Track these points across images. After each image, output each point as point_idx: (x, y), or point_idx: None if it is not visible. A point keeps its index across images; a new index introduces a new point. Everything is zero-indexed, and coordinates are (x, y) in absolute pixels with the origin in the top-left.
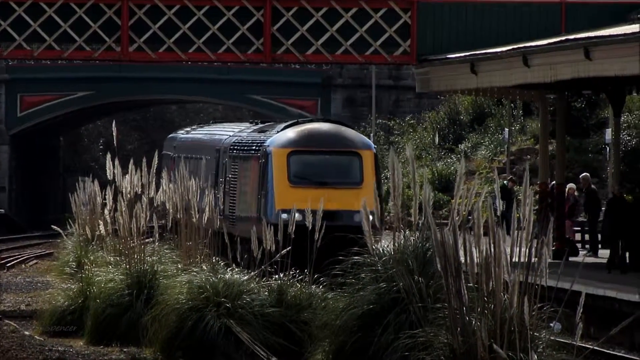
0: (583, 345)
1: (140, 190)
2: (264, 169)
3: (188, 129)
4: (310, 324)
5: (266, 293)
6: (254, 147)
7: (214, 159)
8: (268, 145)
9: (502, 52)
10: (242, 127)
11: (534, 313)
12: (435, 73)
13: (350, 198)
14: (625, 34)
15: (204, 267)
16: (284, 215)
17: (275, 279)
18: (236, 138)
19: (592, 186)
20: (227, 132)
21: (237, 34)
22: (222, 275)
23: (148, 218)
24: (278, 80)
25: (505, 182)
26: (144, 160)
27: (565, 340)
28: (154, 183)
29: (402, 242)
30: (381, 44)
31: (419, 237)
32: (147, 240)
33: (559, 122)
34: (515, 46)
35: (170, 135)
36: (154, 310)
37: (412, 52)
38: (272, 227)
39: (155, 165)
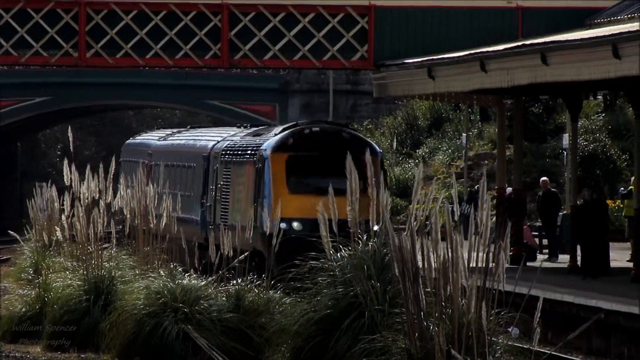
0: (541, 350)
1: (97, 196)
2: (261, 174)
3: (161, 134)
4: (268, 329)
5: (224, 298)
6: (249, 152)
7: (201, 165)
8: (265, 149)
9: (459, 57)
10: (233, 131)
11: (491, 318)
12: (392, 78)
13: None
14: (582, 39)
15: (161, 272)
16: (283, 225)
17: (233, 285)
18: (228, 142)
19: (553, 189)
20: (215, 136)
21: (194, 39)
22: (180, 281)
23: (105, 224)
24: (236, 85)
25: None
26: (101, 165)
27: (522, 345)
28: (111, 189)
29: (359, 247)
30: (339, 49)
31: (376, 242)
32: (104, 245)
33: (516, 127)
34: (472, 51)
35: (128, 141)
36: (111, 316)
37: (369, 57)
38: (268, 237)
39: (113, 171)
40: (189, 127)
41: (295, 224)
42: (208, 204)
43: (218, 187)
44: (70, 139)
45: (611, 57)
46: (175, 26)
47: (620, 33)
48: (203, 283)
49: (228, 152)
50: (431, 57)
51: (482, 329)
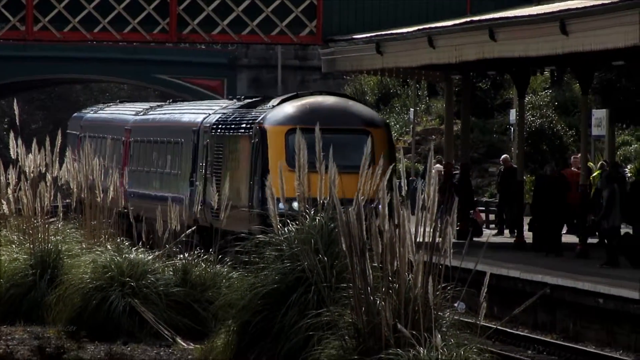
0: (487, 324)
1: (44, 169)
2: (257, 150)
3: (137, 108)
4: (215, 303)
5: (171, 273)
6: (243, 125)
7: (190, 141)
8: (262, 123)
9: (407, 32)
10: (224, 104)
11: (438, 293)
12: (341, 53)
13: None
14: (530, 15)
15: (108, 246)
16: (282, 206)
17: (180, 259)
18: (219, 116)
19: (514, 165)
20: (204, 110)
21: (142, 13)
22: (127, 255)
23: (52, 197)
24: (184, 60)
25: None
26: (48, 139)
27: (469, 320)
28: (57, 162)
29: (307, 221)
30: (287, 24)
31: (324, 217)
32: (51, 219)
33: (464, 102)
34: (421, 27)
35: (90, 115)
36: (58, 290)
37: (318, 33)
38: (264, 218)
39: (59, 144)
40: (170, 100)
41: (295, 204)
42: (197, 182)
43: (209, 164)
44: (17, 112)
45: (559, 33)
46: (123, 0)
47: (568, 9)
48: (150, 257)
49: (220, 125)
50: (380, 33)
51: (429, 304)
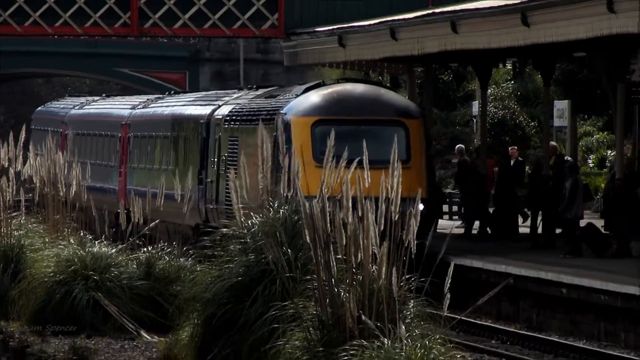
0: (450, 315)
1: (6, 164)
2: (280, 143)
3: (134, 101)
4: (179, 296)
5: (134, 266)
6: (263, 117)
7: (198, 134)
8: (285, 114)
9: (369, 25)
10: (235, 94)
11: (402, 284)
12: (303, 46)
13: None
14: (491, 7)
15: (71, 240)
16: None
17: (144, 252)
18: (232, 107)
19: (466, 157)
20: (212, 101)
21: (104, 7)
22: (90, 249)
23: (14, 192)
24: (146, 53)
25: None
26: (11, 134)
27: (433, 311)
28: (21, 157)
29: (271, 214)
30: (249, 17)
31: (288, 209)
32: (13, 214)
33: (426, 94)
34: (383, 20)
35: (75, 111)
36: (21, 284)
37: (280, 26)
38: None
39: (23, 139)
40: (171, 92)
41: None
42: (209, 179)
43: (222, 160)
44: None
45: (520, 25)
46: None
47: (530, 1)
48: (114, 251)
49: (234, 117)
50: (342, 26)
51: (393, 295)
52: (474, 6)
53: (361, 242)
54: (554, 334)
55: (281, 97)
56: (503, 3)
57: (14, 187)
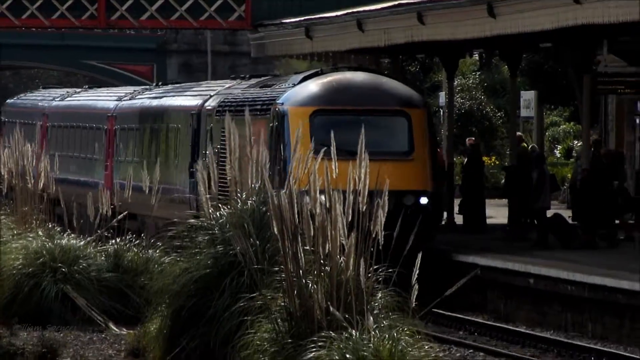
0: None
1: None
2: (277, 135)
3: (120, 93)
4: (148, 289)
5: (103, 258)
6: (258, 107)
7: (189, 126)
8: (282, 103)
9: (336, 16)
10: (227, 84)
11: (369, 275)
12: (270, 38)
13: (398, 174)
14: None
15: (39, 232)
16: (307, 199)
17: (112, 244)
18: (224, 97)
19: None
20: (203, 91)
21: (68, 1)
22: (59, 241)
23: None
24: (113, 45)
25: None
26: None
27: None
28: None
29: (238, 205)
30: (216, 9)
31: (256, 201)
32: None
33: None
34: (350, 11)
35: (57, 103)
36: None
37: (247, 17)
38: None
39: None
40: (158, 83)
41: (322, 198)
42: (199, 172)
43: (215, 152)
44: None
45: (487, 16)
46: None
47: None
48: (82, 243)
49: (226, 108)
50: (309, 17)
51: (361, 287)
52: None
53: (329, 233)
54: (521, 325)
55: (277, 87)
56: None
57: None
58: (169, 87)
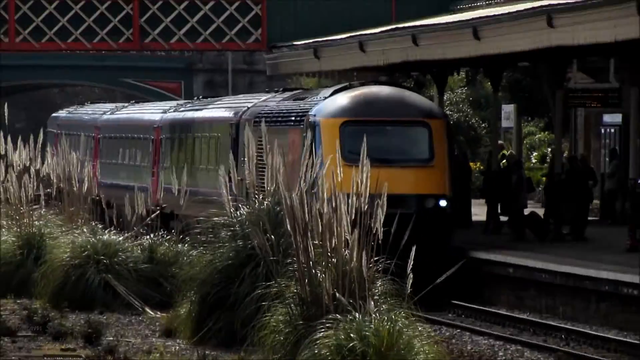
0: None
1: (28, 163)
2: (311, 144)
3: (164, 106)
4: (178, 277)
5: (139, 251)
6: (292, 118)
7: (228, 134)
8: (314, 115)
9: (341, 39)
10: (263, 97)
11: (370, 266)
12: (283, 58)
13: (420, 179)
14: (447, 23)
15: (84, 229)
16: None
17: (147, 239)
18: (260, 109)
19: None
20: (240, 103)
21: (109, 25)
22: (101, 236)
23: (35, 187)
24: (146, 65)
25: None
26: (32, 137)
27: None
28: (40, 157)
29: (257, 205)
30: (235, 33)
31: (271, 201)
32: (34, 206)
33: None
34: (353, 34)
35: (107, 117)
36: (42, 267)
37: (262, 40)
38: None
39: (41, 141)
40: (199, 97)
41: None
42: (239, 177)
43: (252, 159)
44: (5, 114)
45: (472, 38)
46: (93, 14)
47: (480, 17)
48: (121, 238)
49: (263, 118)
50: (317, 40)
51: (363, 276)
52: (432, 22)
53: (335, 230)
54: (502, 308)
55: (309, 100)
56: (457, 19)
57: (35, 183)
58: (208, 100)
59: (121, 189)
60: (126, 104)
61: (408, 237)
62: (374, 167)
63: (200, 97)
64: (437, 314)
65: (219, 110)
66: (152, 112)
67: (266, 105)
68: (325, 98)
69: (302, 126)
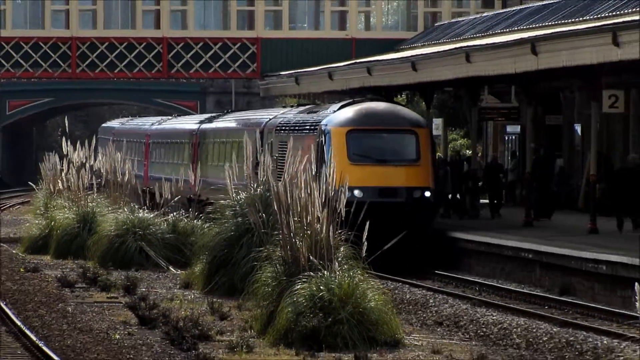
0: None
1: (84, 160)
2: (322, 147)
3: (200, 118)
4: (194, 245)
5: (165, 225)
6: (307, 127)
7: (255, 139)
8: (326, 125)
9: (314, 70)
10: (281, 111)
11: (335, 236)
12: (273, 84)
13: (409, 175)
14: (392, 59)
15: (125, 209)
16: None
17: (171, 216)
18: (281, 119)
19: None
20: (264, 115)
21: (145, 60)
22: (137, 214)
23: (89, 178)
24: (172, 89)
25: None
26: (87, 142)
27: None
28: (93, 156)
29: (252, 191)
30: (237, 65)
31: (263, 189)
32: (88, 192)
33: None
34: (323, 67)
35: (157, 126)
36: (93, 237)
37: (257, 71)
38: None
39: (94, 145)
40: (227, 110)
41: (356, 192)
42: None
43: (273, 159)
44: (67, 125)
45: (411, 70)
46: (133, 51)
47: (416, 55)
48: (152, 215)
49: (283, 127)
50: (297, 70)
51: (330, 243)
52: (382, 58)
53: (309, 209)
54: (440, 269)
55: (321, 113)
56: (401, 56)
57: (89, 175)
58: (238, 113)
59: (167, 182)
60: (170, 117)
61: (399, 219)
62: (373, 165)
63: (228, 110)
64: (387, 275)
65: (247, 120)
66: (190, 123)
67: (285, 117)
68: (335, 111)
69: (316, 133)
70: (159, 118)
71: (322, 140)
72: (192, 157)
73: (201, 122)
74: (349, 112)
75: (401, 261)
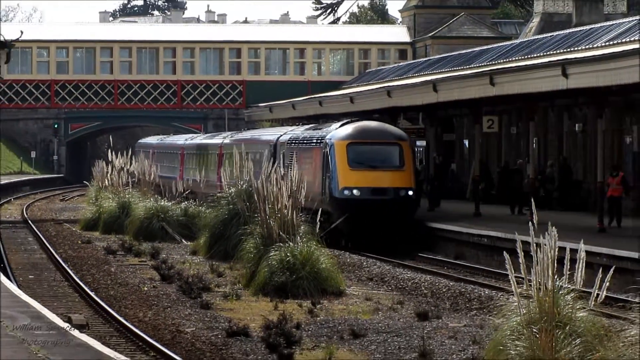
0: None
1: (123, 165)
2: (328, 157)
3: (224, 134)
4: (199, 224)
5: (179, 210)
6: (314, 141)
7: (269, 151)
8: (330, 139)
9: (282, 102)
10: (290, 129)
11: (297, 218)
12: (254, 112)
13: (395, 178)
14: (336, 95)
15: (151, 199)
16: (346, 192)
17: (184, 204)
18: (291, 135)
19: None
20: (274, 133)
21: (165, 95)
22: (160, 203)
23: (126, 178)
24: (184, 115)
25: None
26: (125, 153)
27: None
28: (129, 162)
29: (239, 187)
30: (229, 99)
31: (247, 184)
32: (126, 188)
33: None
34: (288, 100)
35: (193, 141)
36: (129, 219)
37: (243, 103)
38: (335, 200)
39: (130, 155)
40: (244, 128)
41: (355, 191)
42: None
43: (285, 166)
44: (111, 141)
45: (349, 102)
46: (157, 90)
47: (354, 92)
48: (170, 203)
49: (293, 141)
50: (271, 103)
51: (294, 223)
52: (331, 94)
53: (280, 198)
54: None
55: (325, 129)
56: (343, 93)
57: (126, 176)
58: (253, 131)
59: (197, 183)
60: (199, 134)
61: (388, 212)
62: (368, 170)
63: (245, 128)
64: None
65: (261, 136)
66: (216, 138)
67: (294, 133)
68: (337, 128)
69: (321, 146)
70: (189, 135)
71: (327, 151)
72: (217, 165)
73: (224, 138)
74: (348, 129)
75: (389, 242)
